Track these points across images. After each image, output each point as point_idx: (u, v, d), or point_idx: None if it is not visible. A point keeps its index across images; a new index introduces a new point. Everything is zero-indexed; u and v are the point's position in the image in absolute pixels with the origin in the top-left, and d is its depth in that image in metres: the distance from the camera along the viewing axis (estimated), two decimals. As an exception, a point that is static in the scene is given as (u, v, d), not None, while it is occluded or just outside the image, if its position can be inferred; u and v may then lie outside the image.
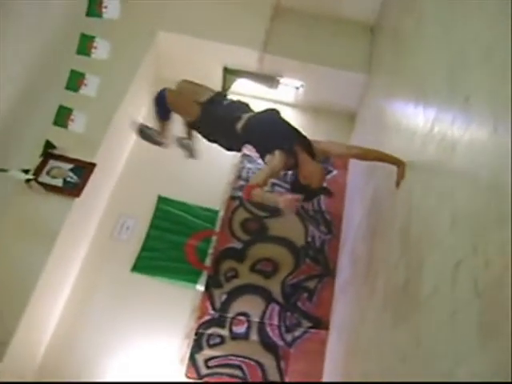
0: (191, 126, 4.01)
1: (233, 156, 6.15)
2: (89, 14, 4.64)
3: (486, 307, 1.72)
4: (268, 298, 5.44)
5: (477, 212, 1.96)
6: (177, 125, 4.18)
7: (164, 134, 4.11)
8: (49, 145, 5.01)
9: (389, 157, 3.49)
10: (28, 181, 4.74)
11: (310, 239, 5.73)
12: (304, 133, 3.61)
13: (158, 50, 6.28)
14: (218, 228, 5.80)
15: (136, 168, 6.16)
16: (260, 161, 6.06)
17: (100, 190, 5.62)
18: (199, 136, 4.02)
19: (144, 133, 4.15)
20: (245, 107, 3.87)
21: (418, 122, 3.22)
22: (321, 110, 6.76)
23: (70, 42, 4.70)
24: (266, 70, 6.37)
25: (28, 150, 4.94)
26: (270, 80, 6.45)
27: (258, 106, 6.62)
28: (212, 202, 5.96)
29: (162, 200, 5.95)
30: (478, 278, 1.82)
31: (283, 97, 6.75)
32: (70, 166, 5.04)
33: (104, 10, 4.67)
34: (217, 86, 6.78)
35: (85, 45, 4.68)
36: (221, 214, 5.87)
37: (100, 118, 5.10)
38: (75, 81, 4.72)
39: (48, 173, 4.96)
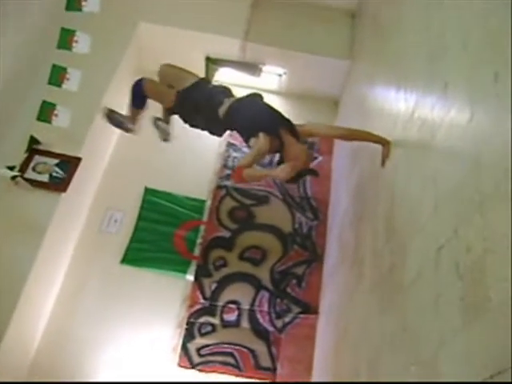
0: (171, 112, 4.02)
1: (218, 145, 6.18)
2: (68, 8, 4.63)
3: (468, 289, 1.77)
4: (257, 285, 5.49)
5: (458, 197, 2.00)
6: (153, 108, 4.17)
7: (134, 121, 4.13)
8: (33, 140, 5.01)
9: (374, 136, 3.54)
10: (14, 178, 4.74)
11: (297, 226, 5.78)
12: (287, 116, 3.65)
13: (139, 41, 6.25)
14: (205, 217, 5.83)
15: (122, 161, 6.16)
16: (245, 149, 6.18)
17: (86, 183, 5.62)
18: (180, 120, 4.02)
19: (112, 118, 4.13)
20: (227, 92, 3.87)
21: (400, 108, 3.26)
22: (304, 96, 6.77)
23: (50, 37, 4.69)
24: (249, 59, 6.38)
25: (12, 147, 4.94)
26: (253, 68, 6.45)
27: (241, 94, 6.71)
28: (199, 192, 5.97)
29: (148, 191, 5.96)
30: (459, 262, 1.87)
31: (266, 84, 6.75)
32: (56, 161, 5.04)
33: (84, 3, 4.66)
34: (199, 75, 6.79)
35: (65, 39, 4.66)
36: (208, 203, 5.90)
37: (83, 111, 5.08)
38: (57, 76, 4.72)
39: (34, 169, 4.96)
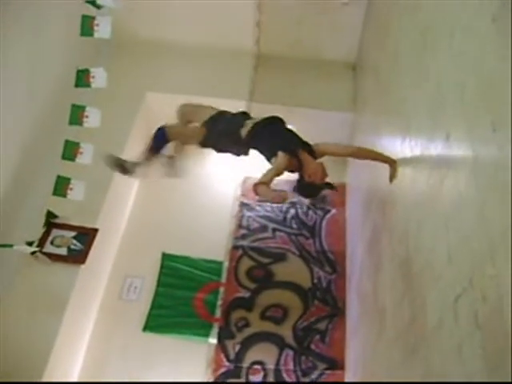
0: (201, 145, 4.12)
1: (231, 206, 6.25)
2: (77, 84, 4.79)
3: (488, 339, 1.77)
4: (281, 343, 5.44)
5: (469, 245, 2.02)
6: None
7: (143, 165, 4.16)
8: (50, 215, 5.10)
9: (381, 156, 3.74)
10: (33, 253, 4.80)
11: (316, 281, 5.77)
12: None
13: (147, 110, 6.41)
14: (224, 279, 5.84)
15: (138, 228, 6.23)
16: (259, 207, 6.24)
17: (104, 253, 5.68)
18: (205, 151, 4.27)
19: (118, 165, 4.16)
20: (247, 116, 4.13)
21: (407, 157, 3.31)
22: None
23: (61, 113, 4.83)
24: (255, 117, 6.49)
25: (30, 222, 5.03)
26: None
27: (251, 154, 6.80)
28: (216, 254, 6.00)
29: (166, 257, 6.00)
30: (477, 311, 1.87)
31: (275, 142, 6.84)
32: (73, 233, 5.12)
33: (92, 80, 4.82)
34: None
35: (76, 115, 4.81)
36: (225, 264, 5.92)
37: (98, 183, 5.19)
38: (70, 150, 4.84)
39: (52, 242, 5.04)
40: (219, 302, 5.70)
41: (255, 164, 6.68)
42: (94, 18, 4.71)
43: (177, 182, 6.60)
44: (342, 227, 6.09)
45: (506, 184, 1.71)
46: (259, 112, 6.37)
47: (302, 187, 3.72)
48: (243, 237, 6.02)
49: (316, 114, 6.42)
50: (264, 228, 6.12)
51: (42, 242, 4.98)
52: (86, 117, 4.81)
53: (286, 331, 5.50)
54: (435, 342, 2.33)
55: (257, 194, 3.59)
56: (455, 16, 2.55)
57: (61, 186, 4.86)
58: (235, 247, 5.99)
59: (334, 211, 6.26)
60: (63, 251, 5.00)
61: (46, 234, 5.08)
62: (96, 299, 5.70)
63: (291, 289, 5.72)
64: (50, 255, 4.91)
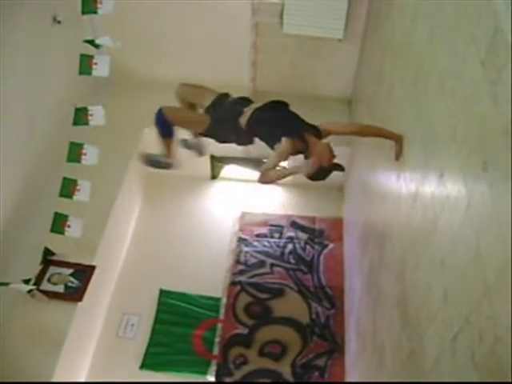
0: (202, 135, 4.05)
1: (229, 241, 6.26)
2: (76, 123, 4.84)
3: (485, 380, 1.77)
4: (280, 380, 5.38)
5: (465, 284, 2.03)
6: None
7: (171, 154, 4.14)
8: (47, 252, 5.08)
9: (386, 132, 3.63)
10: (30, 291, 4.77)
11: (314, 316, 5.72)
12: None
13: (145, 146, 6.43)
14: (222, 315, 5.79)
15: (135, 264, 6.21)
16: (256, 243, 6.24)
17: (102, 290, 5.65)
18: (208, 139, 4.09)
19: (151, 161, 4.23)
20: (247, 102, 3.94)
21: (402, 194, 3.34)
22: (310, 185, 6.69)
23: (59, 150, 4.86)
24: (252, 154, 6.54)
25: (27, 259, 5.00)
26: (257, 163, 6.59)
27: (247, 190, 6.86)
28: (213, 290, 5.96)
29: (163, 293, 5.97)
30: (474, 351, 1.87)
31: (272, 177, 6.88)
32: (70, 270, 5.08)
33: (90, 117, 4.86)
34: (205, 174, 6.97)
35: (74, 153, 4.83)
36: (223, 300, 5.88)
37: (95, 220, 5.18)
38: (68, 188, 4.84)
39: (49, 280, 5.01)
40: (217, 339, 5.64)
41: (253, 199, 6.79)
42: (92, 57, 4.77)
43: (173, 218, 6.66)
44: (339, 262, 6.08)
45: (499, 223, 1.73)
46: (257, 147, 6.46)
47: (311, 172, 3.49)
48: (241, 272, 6.00)
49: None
50: (262, 263, 6.10)
51: (38, 280, 4.94)
52: (84, 154, 4.83)
53: (284, 368, 5.44)
54: (433, 378, 2.32)
55: (264, 182, 3.47)
56: (445, 58, 2.60)
57: (58, 223, 4.85)
58: (233, 283, 5.95)
59: (331, 246, 6.26)
60: (60, 289, 4.97)
61: (43, 271, 5.04)
62: (93, 337, 5.65)
63: (289, 325, 5.67)
64: (46, 293, 4.87)
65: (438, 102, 2.66)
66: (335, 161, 3.48)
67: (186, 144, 4.35)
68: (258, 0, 5.88)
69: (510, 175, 1.66)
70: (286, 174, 3.57)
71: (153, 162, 4.25)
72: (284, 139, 3.43)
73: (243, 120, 3.72)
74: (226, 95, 4.04)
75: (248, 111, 3.75)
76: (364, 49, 5.99)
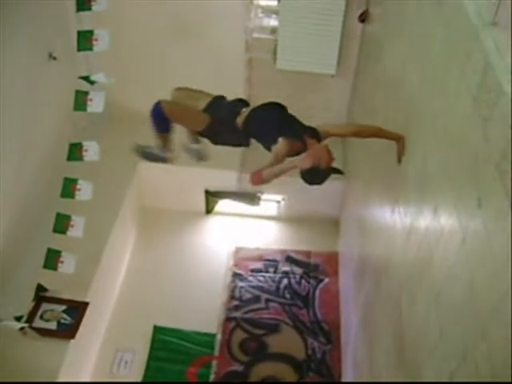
0: (200, 134, 3.93)
1: (224, 276, 6.22)
2: (70, 158, 4.84)
3: None
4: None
5: (461, 320, 2.02)
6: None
7: (167, 147, 4.00)
8: (40, 288, 5.03)
9: (386, 132, 3.50)
10: (22, 328, 4.71)
11: (310, 352, 5.65)
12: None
13: (139, 181, 6.47)
14: (216, 352, 5.71)
15: (128, 300, 6.15)
16: (251, 278, 6.20)
17: (95, 326, 5.58)
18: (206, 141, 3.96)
19: (146, 153, 4.07)
20: (244, 103, 3.87)
21: (397, 229, 3.33)
22: (304, 219, 6.88)
23: (53, 186, 4.86)
24: (247, 188, 6.54)
25: (20, 296, 4.96)
26: (252, 197, 6.61)
27: (241, 224, 6.85)
28: (208, 326, 5.89)
29: (157, 330, 5.89)
30: (472, 388, 1.85)
31: (266, 212, 6.90)
32: (63, 307, 5.03)
33: (84, 153, 4.88)
34: (200, 209, 6.96)
35: (68, 188, 4.83)
36: (218, 337, 5.81)
37: (89, 255, 5.16)
38: (62, 223, 4.83)
39: (41, 317, 4.95)
40: (212, 376, 5.55)
41: (247, 233, 6.78)
42: (87, 93, 4.81)
43: (168, 253, 6.62)
44: (335, 297, 6.03)
45: (493, 260, 1.73)
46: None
47: (308, 173, 3.31)
48: (236, 308, 5.94)
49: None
50: (257, 299, 6.05)
51: (31, 317, 4.88)
52: (78, 190, 4.83)
53: (280, 405, 5.37)
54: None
55: (260, 181, 3.28)
56: (437, 95, 2.63)
57: (51, 259, 4.82)
58: (228, 319, 5.89)
59: (327, 280, 6.22)
60: (53, 325, 4.91)
61: (36, 307, 4.99)
62: (86, 374, 5.55)
63: (285, 361, 5.59)
64: (39, 330, 4.81)
65: (431, 138, 2.68)
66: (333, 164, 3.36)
67: (185, 149, 4.23)
68: (251, 36, 5.96)
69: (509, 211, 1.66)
70: (281, 170, 3.31)
71: (147, 154, 4.06)
72: (281, 139, 3.32)
73: (240, 120, 3.64)
74: (222, 97, 3.97)
75: (245, 111, 3.68)
76: (357, 84, 6.06)
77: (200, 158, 4.29)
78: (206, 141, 4.06)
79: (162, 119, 3.78)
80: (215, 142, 3.89)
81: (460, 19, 2.29)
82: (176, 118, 3.80)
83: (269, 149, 3.41)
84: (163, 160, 4.06)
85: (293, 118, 3.61)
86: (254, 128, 3.61)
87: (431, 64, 2.82)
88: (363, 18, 5.69)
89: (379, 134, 3.57)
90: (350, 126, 3.86)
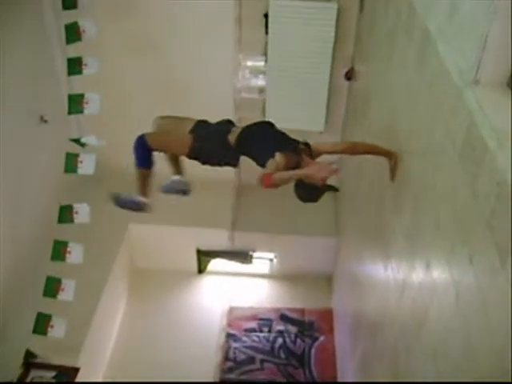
0: (187, 156, 3.78)
1: (218, 337, 6.12)
2: (60, 220, 4.83)
3: None
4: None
5: (459, 376, 1.98)
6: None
7: (146, 191, 3.91)
8: (29, 354, 4.92)
9: (378, 148, 3.47)
10: (9, 397, 4.59)
11: (306, 412, 5.54)
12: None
13: (130, 241, 6.43)
14: (212, 415, 5.58)
15: (121, 363, 6.01)
16: (245, 338, 6.09)
17: (86, 392, 5.44)
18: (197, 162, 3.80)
19: (122, 200, 3.97)
20: (231, 123, 3.82)
21: (390, 286, 3.31)
22: (298, 276, 6.82)
23: (43, 249, 4.82)
24: (238, 247, 6.53)
25: (8, 362, 4.84)
26: (244, 256, 6.58)
27: (234, 283, 6.79)
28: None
29: (152, 391, 5.75)
30: None
31: (259, 270, 6.85)
32: (53, 373, 4.91)
33: (75, 215, 4.87)
34: (192, 268, 6.90)
35: (58, 251, 4.80)
36: (214, 399, 5.68)
37: (80, 319, 5.08)
38: (52, 287, 4.77)
39: (31, 384, 4.82)
40: None
41: (240, 293, 6.71)
42: (78, 156, 4.84)
43: (160, 313, 6.52)
44: (331, 355, 5.93)
45: (487, 316, 1.71)
46: (242, 242, 6.48)
47: (303, 191, 3.27)
48: (231, 370, 5.82)
49: (299, 240, 6.46)
50: (251, 359, 5.93)
51: (20, 384, 4.76)
52: (69, 252, 4.81)
53: None
54: None
55: (271, 184, 3.10)
56: (424, 151, 2.66)
57: (41, 324, 4.74)
58: (222, 381, 5.77)
59: (322, 338, 6.13)
60: (42, 393, 4.78)
61: (25, 374, 4.85)
62: None
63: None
64: (28, 398, 4.69)
65: (420, 193, 2.69)
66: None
67: (167, 188, 4.12)
68: (240, 96, 6.06)
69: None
70: (291, 176, 3.19)
71: (124, 202, 3.98)
72: (278, 154, 3.24)
73: (232, 137, 3.59)
74: (205, 121, 3.91)
75: (237, 129, 3.65)
76: (345, 139, 6.12)
77: (184, 191, 4.15)
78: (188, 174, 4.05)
79: (144, 151, 3.74)
80: (204, 162, 3.77)
81: (443, 78, 2.34)
82: (160, 145, 3.78)
83: (263, 165, 3.32)
84: (142, 208, 3.98)
85: (285, 135, 3.57)
86: (248, 144, 3.55)
87: (417, 121, 2.86)
88: (349, 75, 5.82)
89: (371, 150, 3.58)
90: (342, 144, 3.80)
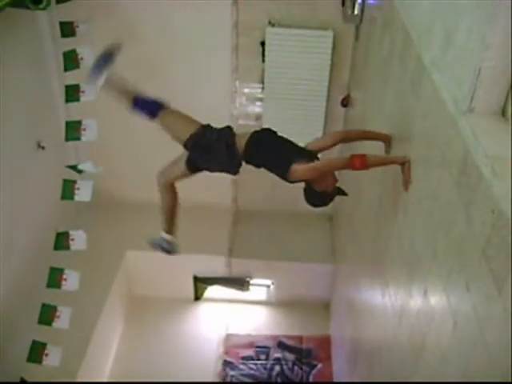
0: (185, 145, 3.64)
1: (214, 364, 6.06)
2: (56, 247, 4.81)
3: None
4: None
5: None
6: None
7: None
8: (23, 383, 4.86)
9: (372, 133, 3.45)
10: (3, 427, 4.52)
11: None
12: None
13: (127, 269, 6.40)
14: None
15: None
16: (242, 366, 6.04)
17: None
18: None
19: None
20: (232, 130, 3.61)
21: (388, 313, 3.29)
22: (295, 303, 6.79)
23: (39, 275, 4.80)
24: (235, 274, 6.51)
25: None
26: (241, 283, 6.56)
27: (232, 310, 6.74)
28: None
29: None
30: None
31: (256, 296, 6.81)
32: (47, 401, 4.85)
33: (71, 242, 4.86)
34: (189, 295, 6.86)
35: (54, 278, 4.77)
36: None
37: (75, 347, 5.04)
38: (47, 314, 4.74)
39: (24, 414, 4.75)
40: None
41: (237, 320, 6.66)
42: (75, 182, 4.84)
43: (156, 341, 6.46)
44: (329, 382, 5.88)
45: (485, 346, 1.70)
46: (239, 268, 6.46)
47: (312, 196, 3.24)
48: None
49: (296, 266, 6.45)
50: (249, 388, 5.89)
51: (13, 414, 4.70)
52: (65, 280, 4.79)
53: None
54: None
55: (363, 166, 2.98)
56: (421, 179, 2.67)
57: (36, 352, 4.68)
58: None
59: (320, 366, 6.08)
60: (37, 423, 4.71)
61: (19, 403, 4.80)
62: None
63: None
64: (21, 428, 4.61)
65: (417, 220, 2.70)
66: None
67: (154, 243, 4.04)
68: (237, 123, 6.09)
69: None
70: (384, 161, 3.14)
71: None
72: (295, 166, 3.10)
73: (242, 141, 3.41)
74: (208, 124, 3.76)
75: (245, 135, 3.46)
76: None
77: (169, 251, 4.07)
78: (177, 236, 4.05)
79: (150, 103, 3.83)
80: (205, 168, 3.64)
81: (438, 107, 2.36)
82: (168, 113, 3.81)
83: (283, 171, 3.19)
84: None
85: (291, 141, 3.42)
86: (257, 153, 3.40)
87: (413, 149, 2.88)
88: (345, 102, 5.86)
89: (365, 135, 3.58)
90: (337, 134, 3.65)
